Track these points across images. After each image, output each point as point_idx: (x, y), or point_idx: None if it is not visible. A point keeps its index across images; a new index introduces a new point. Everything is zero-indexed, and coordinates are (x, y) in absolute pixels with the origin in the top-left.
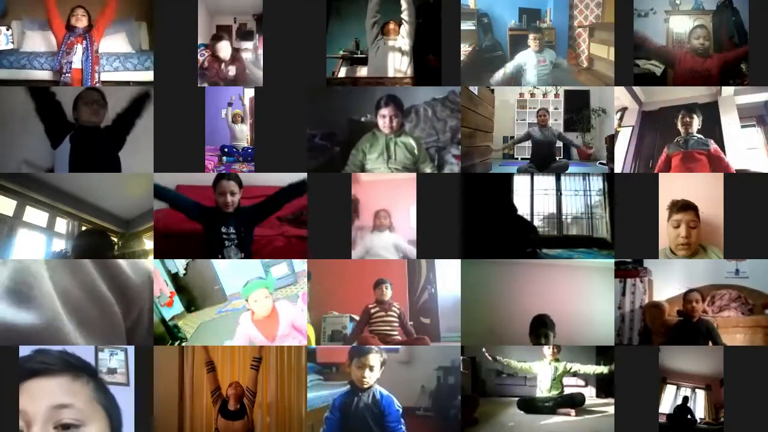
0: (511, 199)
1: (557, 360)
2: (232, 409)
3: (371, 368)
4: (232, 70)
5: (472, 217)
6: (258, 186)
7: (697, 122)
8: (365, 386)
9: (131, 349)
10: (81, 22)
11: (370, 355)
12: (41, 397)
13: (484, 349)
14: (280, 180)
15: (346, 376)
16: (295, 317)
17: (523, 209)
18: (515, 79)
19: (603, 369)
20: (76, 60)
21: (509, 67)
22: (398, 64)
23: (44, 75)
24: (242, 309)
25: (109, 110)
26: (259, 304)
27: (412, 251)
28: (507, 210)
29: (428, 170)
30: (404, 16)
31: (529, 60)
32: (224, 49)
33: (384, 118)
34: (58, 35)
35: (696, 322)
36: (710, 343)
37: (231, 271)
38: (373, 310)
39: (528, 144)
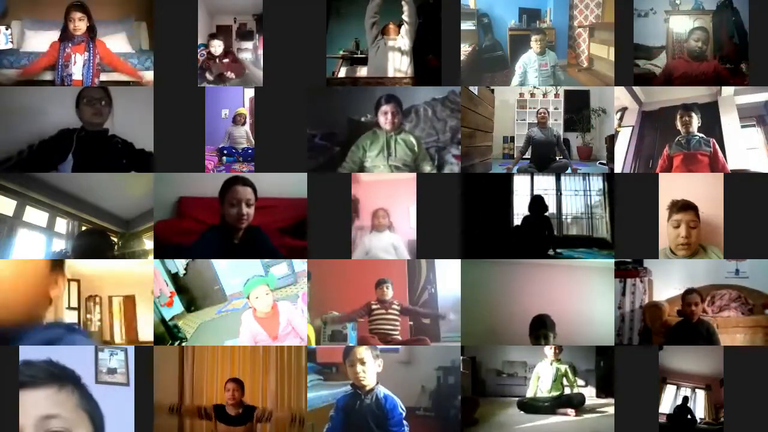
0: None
1: (559, 361)
2: (232, 414)
3: (362, 362)
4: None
5: (472, 217)
6: (261, 197)
7: (696, 120)
8: (364, 384)
9: (131, 349)
10: (79, 28)
11: (356, 349)
12: (30, 408)
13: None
14: (279, 181)
15: (346, 378)
16: (294, 317)
17: (521, 209)
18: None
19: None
20: (77, 71)
21: (517, 72)
22: (398, 64)
23: (44, 75)
24: (243, 309)
25: (116, 111)
26: (260, 300)
27: (405, 252)
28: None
29: (428, 168)
30: (405, 16)
31: (530, 63)
32: (220, 46)
33: (386, 115)
34: (52, 51)
35: (696, 323)
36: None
37: (231, 271)
38: (374, 306)
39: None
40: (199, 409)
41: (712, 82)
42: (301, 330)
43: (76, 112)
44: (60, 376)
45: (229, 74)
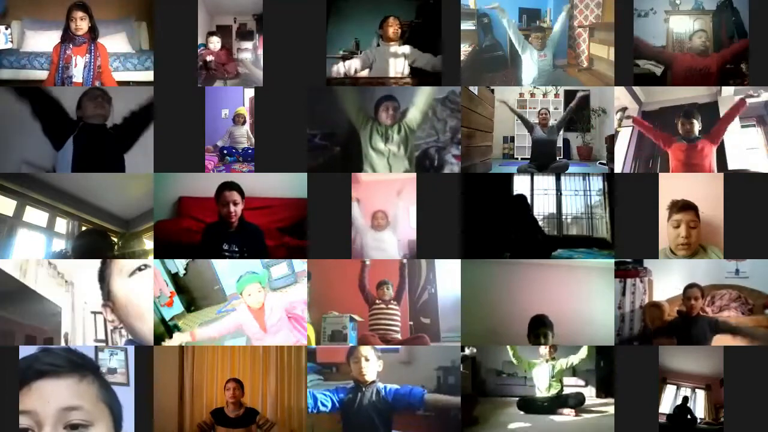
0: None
1: (554, 359)
2: (232, 416)
3: (366, 359)
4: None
5: (472, 217)
6: (258, 197)
7: (697, 125)
8: (366, 380)
9: (131, 349)
10: (81, 28)
11: (360, 348)
12: (51, 399)
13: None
14: (280, 181)
15: (347, 376)
16: (287, 305)
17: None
18: (509, 61)
19: (584, 354)
20: (77, 73)
21: (515, 37)
22: (399, 68)
23: (45, 75)
24: None
25: (116, 109)
26: (253, 297)
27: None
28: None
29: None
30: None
31: (529, 53)
32: (218, 43)
33: (387, 110)
34: (55, 56)
35: (695, 318)
36: (713, 338)
37: (231, 271)
38: (376, 301)
39: (528, 144)
40: (199, 427)
41: (718, 76)
42: (302, 321)
43: (77, 112)
44: (80, 365)
45: (209, 57)
